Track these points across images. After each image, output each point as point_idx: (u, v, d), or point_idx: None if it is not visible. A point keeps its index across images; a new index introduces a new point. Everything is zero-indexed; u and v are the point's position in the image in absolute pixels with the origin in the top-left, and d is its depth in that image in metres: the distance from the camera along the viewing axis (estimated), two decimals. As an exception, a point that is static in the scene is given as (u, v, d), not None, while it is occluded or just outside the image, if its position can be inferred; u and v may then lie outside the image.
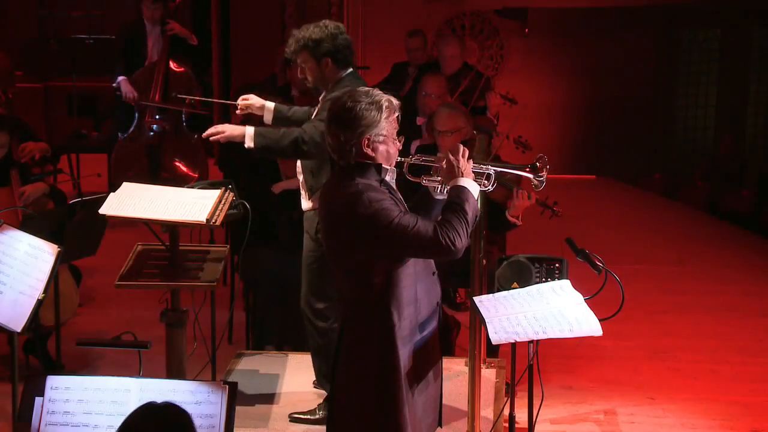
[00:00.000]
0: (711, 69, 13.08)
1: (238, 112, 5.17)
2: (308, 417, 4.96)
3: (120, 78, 8.52)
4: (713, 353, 6.34)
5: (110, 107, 9.52)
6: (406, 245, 3.48)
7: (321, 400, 4.98)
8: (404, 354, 3.59)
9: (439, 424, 3.89)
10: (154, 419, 2.83)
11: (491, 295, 4.28)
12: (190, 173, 8.59)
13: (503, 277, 4.58)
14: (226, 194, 4.72)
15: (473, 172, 3.69)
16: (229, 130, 4.84)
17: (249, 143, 4.77)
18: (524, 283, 4.46)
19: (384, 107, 3.58)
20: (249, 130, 4.78)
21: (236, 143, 6.48)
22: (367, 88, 3.68)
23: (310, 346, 5.05)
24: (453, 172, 3.64)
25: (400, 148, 3.69)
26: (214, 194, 4.68)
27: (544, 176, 3.85)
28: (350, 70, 4.85)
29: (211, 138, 4.86)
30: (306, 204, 5.02)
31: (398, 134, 3.67)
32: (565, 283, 4.19)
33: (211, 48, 10.79)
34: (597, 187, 11.66)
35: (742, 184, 10.95)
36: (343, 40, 4.80)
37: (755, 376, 6.01)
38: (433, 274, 3.74)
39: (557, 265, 4.57)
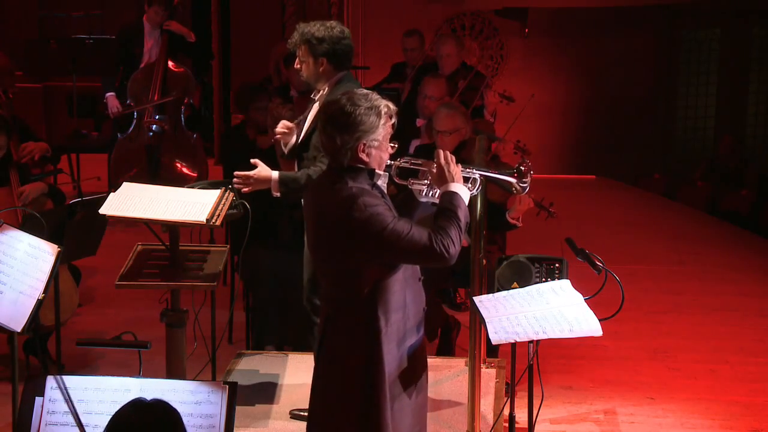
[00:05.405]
0: (711, 69, 13.09)
1: (277, 137, 5.13)
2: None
3: (108, 94, 8.67)
4: (713, 353, 6.34)
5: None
6: (399, 251, 3.48)
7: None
8: (390, 360, 3.58)
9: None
10: (144, 416, 2.82)
11: (491, 295, 4.28)
12: (190, 173, 8.60)
13: (503, 277, 4.59)
14: (226, 194, 4.72)
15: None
16: (254, 179, 4.80)
17: (276, 192, 4.82)
18: (524, 283, 4.47)
19: (383, 113, 3.56)
20: (274, 178, 4.80)
21: (237, 142, 6.50)
22: (365, 91, 3.64)
23: (313, 344, 5.02)
24: (444, 177, 3.65)
25: (392, 153, 3.69)
26: (214, 194, 4.67)
27: (528, 181, 3.89)
28: (345, 72, 4.87)
29: (242, 190, 4.82)
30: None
31: (392, 139, 3.67)
32: (565, 283, 4.19)
33: (211, 44, 10.80)
34: (597, 187, 11.66)
35: (742, 184, 10.95)
36: (345, 45, 4.82)
37: (755, 376, 6.01)
38: (419, 280, 3.73)
39: (557, 265, 4.57)
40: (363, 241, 3.48)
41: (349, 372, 3.58)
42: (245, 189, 4.82)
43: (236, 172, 4.83)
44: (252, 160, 4.84)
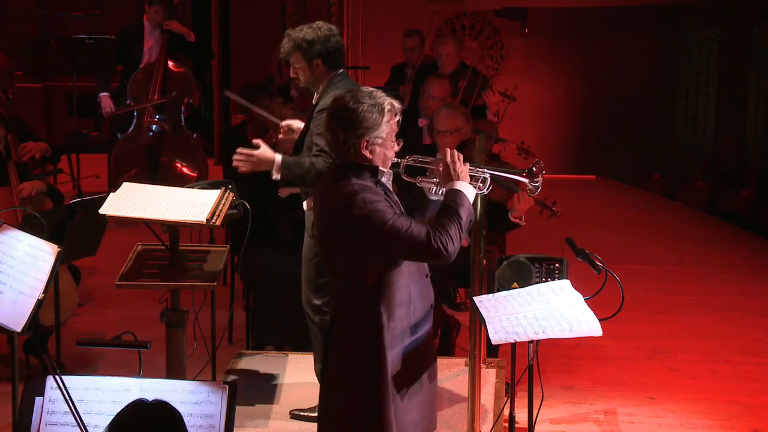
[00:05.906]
0: (711, 69, 13.10)
1: (280, 136, 5.19)
2: (308, 414, 4.96)
3: (102, 94, 8.77)
4: (713, 353, 6.34)
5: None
6: (398, 247, 3.50)
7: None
8: (393, 356, 3.59)
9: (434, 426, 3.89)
10: (145, 417, 2.81)
11: (491, 295, 4.28)
12: (190, 173, 8.60)
13: (503, 277, 4.59)
14: (226, 194, 4.72)
15: (469, 175, 3.71)
16: (257, 158, 4.72)
17: (276, 175, 4.73)
18: (524, 283, 4.46)
19: (386, 110, 3.58)
20: (277, 161, 4.71)
21: (237, 142, 6.49)
22: (369, 89, 3.67)
23: (312, 344, 5.03)
24: (450, 176, 3.66)
25: (398, 150, 3.70)
26: (214, 194, 4.68)
27: (540, 181, 3.87)
28: (340, 70, 4.87)
29: (240, 167, 4.76)
30: (306, 204, 5.04)
31: (398, 137, 3.68)
32: (565, 283, 4.19)
33: (211, 44, 10.81)
34: (597, 187, 11.66)
35: (742, 184, 10.95)
36: (335, 42, 4.82)
37: (755, 376, 6.01)
38: (426, 276, 3.74)
39: (557, 265, 4.57)
40: (362, 236, 3.50)
41: (353, 367, 3.60)
42: (243, 168, 4.75)
43: (239, 149, 4.76)
44: (255, 141, 4.80)
